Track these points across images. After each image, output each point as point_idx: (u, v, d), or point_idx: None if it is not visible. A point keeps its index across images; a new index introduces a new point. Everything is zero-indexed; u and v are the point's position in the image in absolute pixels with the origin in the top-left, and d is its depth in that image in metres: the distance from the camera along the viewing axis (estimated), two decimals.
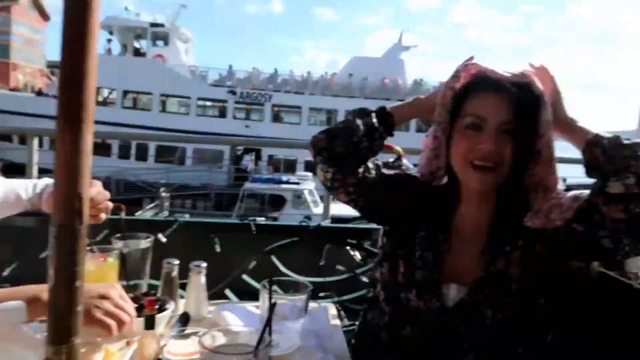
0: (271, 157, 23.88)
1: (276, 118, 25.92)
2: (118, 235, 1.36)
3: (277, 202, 18.18)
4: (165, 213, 16.56)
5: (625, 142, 1.03)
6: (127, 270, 1.34)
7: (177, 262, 1.38)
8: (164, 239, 1.66)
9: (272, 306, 0.82)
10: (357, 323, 1.66)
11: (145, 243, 1.40)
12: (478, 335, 1.08)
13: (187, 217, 1.71)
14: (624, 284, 1.23)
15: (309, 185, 17.28)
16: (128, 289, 1.32)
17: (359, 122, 1.21)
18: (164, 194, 17.08)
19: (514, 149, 1.06)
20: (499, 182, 1.09)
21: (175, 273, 1.39)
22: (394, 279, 1.17)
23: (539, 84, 1.07)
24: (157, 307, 1.24)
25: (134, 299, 1.25)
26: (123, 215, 1.29)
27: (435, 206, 1.21)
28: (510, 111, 1.06)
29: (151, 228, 1.53)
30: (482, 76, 1.11)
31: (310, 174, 17.91)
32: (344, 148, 1.19)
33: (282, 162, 24.33)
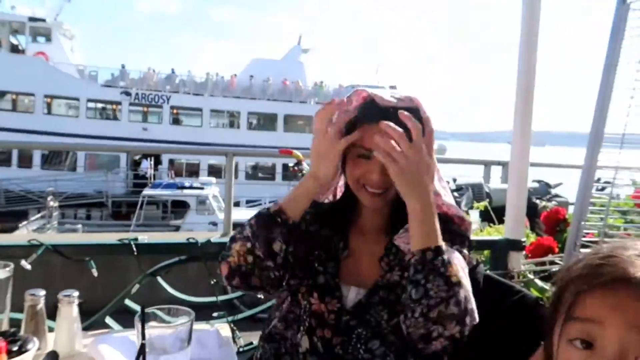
0: (172, 161, 22.91)
1: (176, 120, 24.95)
2: None
3: (180, 208, 17.47)
4: (54, 224, 15.19)
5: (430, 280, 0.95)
6: None
7: (42, 292, 1.23)
8: (28, 266, 1.45)
9: (141, 347, 0.71)
10: (254, 342, 1.59)
11: (3, 273, 1.23)
12: (375, 338, 1.08)
13: (56, 240, 1.50)
14: (508, 285, 1.28)
15: (213, 190, 16.74)
16: None
17: (263, 253, 1.08)
18: (52, 203, 15.66)
19: None
20: (390, 199, 1.12)
21: (40, 306, 1.23)
22: (295, 295, 1.15)
23: (426, 109, 1.08)
24: (15, 348, 1.08)
25: None
26: None
27: (333, 217, 1.21)
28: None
29: (12, 254, 1.33)
30: (370, 101, 1.10)
31: (213, 179, 17.43)
32: (261, 282, 1.11)
33: (184, 167, 23.47)
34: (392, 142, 0.98)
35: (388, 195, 1.11)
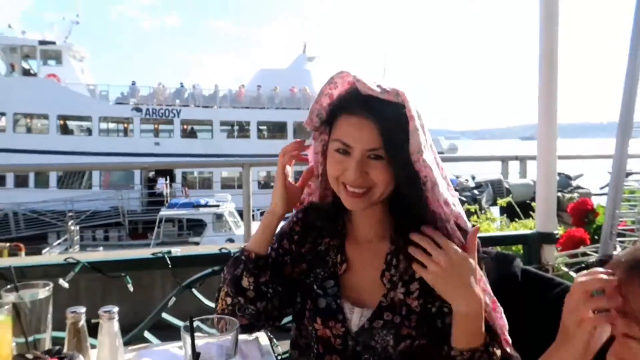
0: (185, 175, 23.07)
1: (187, 133, 25.15)
2: (8, 286, 1.19)
3: (197, 226, 17.52)
4: (76, 248, 15.23)
5: None
6: (24, 326, 1.18)
7: (83, 309, 1.23)
8: (65, 285, 1.47)
9: (197, 357, 0.71)
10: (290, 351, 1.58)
11: (43, 292, 1.24)
12: None
13: (90, 257, 1.52)
14: (547, 278, 1.26)
15: (228, 206, 16.76)
16: (28, 346, 1.15)
17: (231, 291, 1.12)
18: (72, 227, 15.77)
19: (387, 171, 1.00)
20: (374, 202, 1.04)
21: (82, 323, 1.23)
22: (302, 317, 1.12)
23: (412, 107, 0.96)
24: None
25: None
26: (23, 255, 1.11)
27: (325, 228, 1.16)
28: (377, 136, 0.98)
29: (49, 273, 1.34)
30: (353, 89, 1.01)
31: (229, 195, 17.48)
32: (247, 320, 1.13)
33: (197, 180, 23.61)
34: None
35: (371, 197, 1.02)
